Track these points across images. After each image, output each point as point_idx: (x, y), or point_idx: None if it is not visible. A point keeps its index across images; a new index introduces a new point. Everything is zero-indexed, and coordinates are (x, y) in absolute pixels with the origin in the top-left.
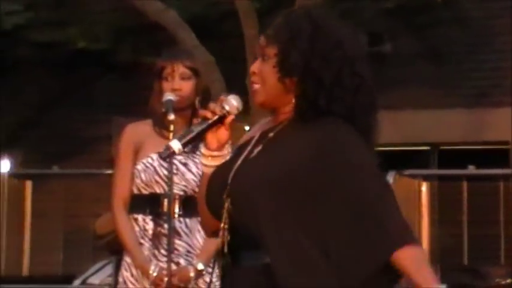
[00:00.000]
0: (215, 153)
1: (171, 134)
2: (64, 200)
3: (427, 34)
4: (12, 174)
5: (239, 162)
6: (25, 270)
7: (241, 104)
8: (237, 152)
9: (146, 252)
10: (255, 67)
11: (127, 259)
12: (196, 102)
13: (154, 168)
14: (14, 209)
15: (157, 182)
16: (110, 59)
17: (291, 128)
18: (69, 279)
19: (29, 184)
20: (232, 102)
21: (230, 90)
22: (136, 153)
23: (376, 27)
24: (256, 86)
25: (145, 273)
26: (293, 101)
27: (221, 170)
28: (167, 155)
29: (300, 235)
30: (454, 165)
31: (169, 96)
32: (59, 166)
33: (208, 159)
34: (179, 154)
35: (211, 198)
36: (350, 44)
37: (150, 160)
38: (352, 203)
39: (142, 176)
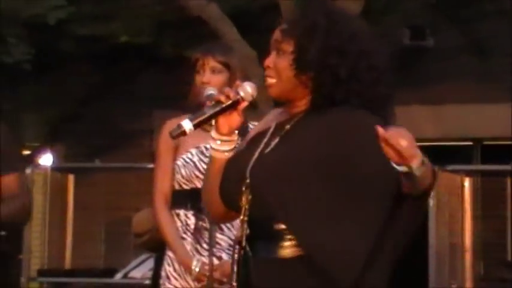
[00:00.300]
0: (225, 137)
1: (211, 128)
2: (106, 194)
3: (471, 27)
4: (54, 168)
5: (256, 154)
6: (67, 264)
7: (256, 92)
8: (252, 143)
9: (188, 247)
10: (269, 61)
11: (170, 254)
12: None
13: (194, 163)
14: (56, 202)
15: (197, 176)
16: (152, 53)
17: (307, 120)
18: (111, 273)
19: (71, 178)
20: (247, 89)
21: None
22: (176, 149)
23: (418, 21)
24: (271, 81)
25: (187, 268)
26: (308, 94)
27: (237, 161)
28: (177, 134)
29: (332, 222)
30: (497, 160)
31: (210, 90)
32: (101, 160)
33: (217, 142)
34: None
35: (227, 189)
36: (365, 37)
37: (189, 155)
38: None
39: (183, 171)
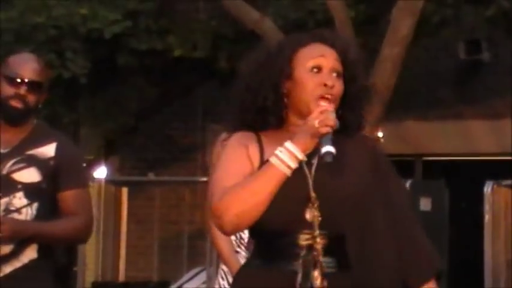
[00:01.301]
0: (301, 155)
1: None
2: (160, 207)
3: None
4: (108, 181)
5: (312, 173)
6: (121, 276)
7: None
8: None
9: (242, 261)
10: (337, 84)
11: (224, 267)
12: None
13: None
14: (110, 215)
15: None
16: (207, 67)
17: (340, 140)
18: (164, 286)
19: (125, 191)
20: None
21: None
22: None
23: (475, 35)
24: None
25: None
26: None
27: (289, 180)
28: (332, 159)
29: (385, 241)
30: None
31: None
32: (155, 173)
33: (292, 158)
34: None
35: (284, 207)
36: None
37: None
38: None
39: None
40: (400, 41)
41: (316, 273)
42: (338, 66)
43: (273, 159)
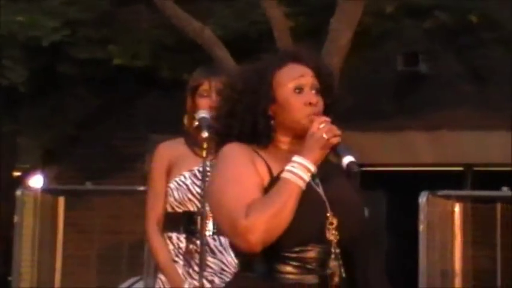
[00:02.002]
0: (313, 168)
1: (204, 152)
2: (98, 217)
3: (468, 55)
4: (45, 190)
5: (321, 190)
6: (57, 287)
7: None
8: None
9: (180, 270)
10: (319, 100)
11: (161, 277)
12: None
13: (187, 186)
14: (46, 224)
15: (190, 200)
16: (149, 77)
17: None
18: None
19: (61, 200)
20: None
21: None
22: (170, 172)
23: (414, 48)
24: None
25: None
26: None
27: (306, 196)
28: (358, 168)
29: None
30: (488, 186)
31: (203, 113)
32: (95, 183)
33: (306, 171)
34: None
35: (307, 222)
36: None
37: (182, 178)
38: None
39: (175, 194)
40: (339, 51)
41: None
42: (316, 82)
43: (287, 175)
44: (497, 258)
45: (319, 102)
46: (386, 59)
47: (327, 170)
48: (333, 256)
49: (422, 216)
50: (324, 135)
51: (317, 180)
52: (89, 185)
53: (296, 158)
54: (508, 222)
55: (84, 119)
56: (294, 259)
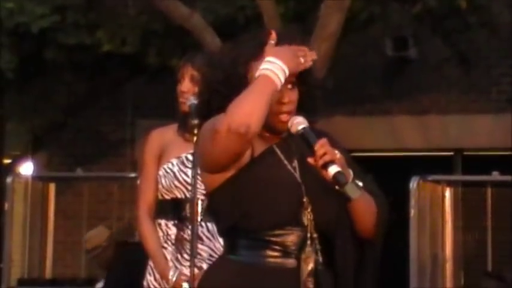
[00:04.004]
0: (287, 70)
1: (194, 138)
2: (88, 203)
3: (455, 39)
4: (35, 177)
5: (297, 176)
6: (48, 273)
7: None
8: (267, 160)
9: (169, 257)
10: (293, 96)
11: (151, 263)
12: None
13: (174, 173)
14: (37, 211)
15: (177, 187)
16: (137, 63)
17: (296, 140)
18: (92, 283)
19: (52, 187)
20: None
21: None
22: (160, 158)
23: (402, 32)
24: (289, 117)
25: (165, 277)
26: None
27: (280, 179)
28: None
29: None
30: (479, 171)
31: (194, 100)
32: (83, 169)
33: (281, 71)
34: None
35: (282, 204)
36: None
37: (170, 165)
38: None
39: (163, 181)
40: (329, 37)
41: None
42: (291, 76)
43: (262, 72)
44: (488, 242)
45: (292, 98)
46: (374, 44)
47: (305, 154)
48: (308, 241)
49: (413, 201)
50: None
51: (294, 164)
52: (79, 172)
53: (270, 58)
54: (498, 207)
55: (71, 105)
56: (275, 243)
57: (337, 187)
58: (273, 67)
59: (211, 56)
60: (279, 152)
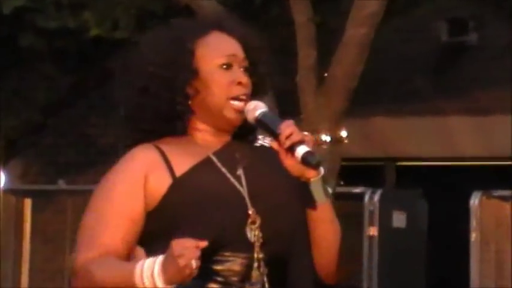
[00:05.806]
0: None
1: None
2: (71, 222)
3: None
4: (8, 190)
5: (242, 187)
6: None
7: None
8: (202, 173)
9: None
10: (247, 79)
11: None
12: None
13: None
14: (9, 231)
15: None
16: (132, 50)
17: (244, 146)
18: None
19: (28, 202)
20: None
21: (279, 85)
22: None
23: (459, 13)
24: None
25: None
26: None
27: (220, 196)
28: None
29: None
30: None
31: None
32: (66, 181)
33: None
34: None
35: (220, 224)
36: None
37: None
38: None
39: None
40: (367, 20)
41: None
42: (245, 60)
43: (137, 272)
44: None
45: (248, 83)
46: (423, 28)
47: (254, 156)
48: (255, 265)
49: (474, 222)
50: (182, 262)
51: (239, 172)
52: (62, 184)
53: (155, 268)
54: None
55: (52, 103)
56: (216, 273)
57: (306, 178)
58: (147, 279)
59: (140, 42)
60: (216, 161)
